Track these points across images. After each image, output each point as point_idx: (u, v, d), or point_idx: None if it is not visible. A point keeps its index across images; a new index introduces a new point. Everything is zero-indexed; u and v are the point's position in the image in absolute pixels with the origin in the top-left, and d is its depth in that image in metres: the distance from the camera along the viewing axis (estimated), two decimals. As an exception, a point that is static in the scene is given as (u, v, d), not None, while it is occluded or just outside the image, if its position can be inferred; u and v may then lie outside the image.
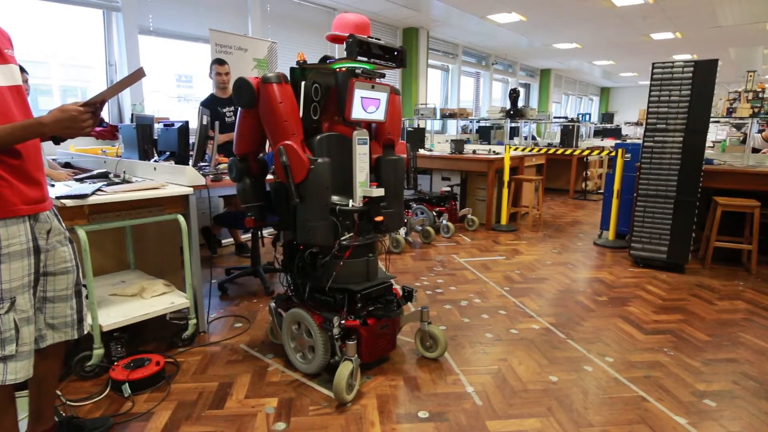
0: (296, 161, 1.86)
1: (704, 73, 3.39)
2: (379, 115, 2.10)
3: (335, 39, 2.08)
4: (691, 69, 3.42)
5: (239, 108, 2.04)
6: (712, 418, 1.82)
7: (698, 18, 6.75)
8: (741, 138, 5.54)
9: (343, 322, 1.96)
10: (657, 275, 3.64)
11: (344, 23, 2.07)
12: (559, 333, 2.57)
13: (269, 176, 2.24)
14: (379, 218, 2.04)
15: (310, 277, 2.11)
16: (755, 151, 4.57)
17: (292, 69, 2.02)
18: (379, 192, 2.02)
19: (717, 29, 7.42)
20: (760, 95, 4.22)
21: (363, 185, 2.05)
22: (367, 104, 2.02)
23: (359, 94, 1.96)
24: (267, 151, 2.28)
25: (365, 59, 1.97)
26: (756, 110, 4.17)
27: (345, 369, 1.87)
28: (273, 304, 2.28)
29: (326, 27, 6.31)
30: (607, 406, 1.88)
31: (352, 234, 2.01)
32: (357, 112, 1.99)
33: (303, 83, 1.95)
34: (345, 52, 1.95)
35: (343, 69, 1.98)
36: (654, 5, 6.09)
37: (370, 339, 2.04)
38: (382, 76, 2.10)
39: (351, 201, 2.02)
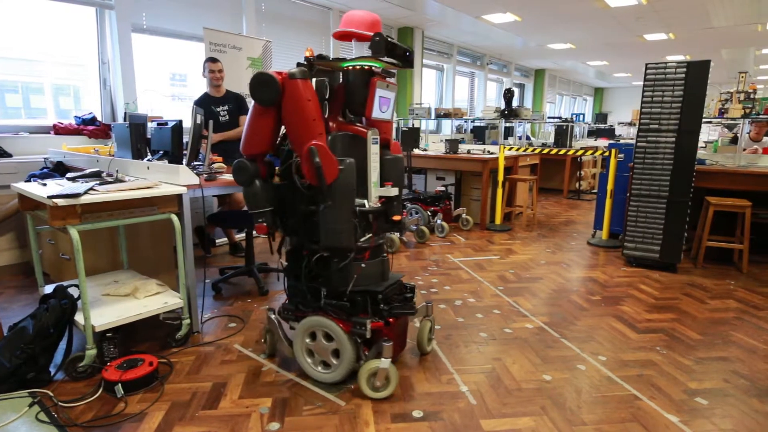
0: (328, 162, 1.78)
1: (697, 74, 3.42)
2: (388, 114, 2.07)
3: (344, 36, 2.02)
4: (684, 70, 3.45)
5: (255, 104, 1.92)
6: (703, 416, 1.83)
7: (691, 19, 6.81)
8: (730, 138, 5.58)
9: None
10: (650, 275, 3.66)
11: (359, 21, 2.00)
12: (552, 332, 2.58)
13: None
14: (398, 217, 2.03)
15: (324, 282, 2.02)
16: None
17: (299, 65, 1.93)
18: (395, 191, 2.01)
19: (709, 30, 7.49)
20: (752, 96, 4.26)
21: (375, 185, 2.02)
22: (382, 103, 1.99)
23: (378, 93, 1.92)
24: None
25: (374, 58, 1.92)
26: (747, 111, 4.21)
27: (395, 369, 1.91)
28: (273, 316, 2.17)
29: (321, 26, 6.31)
30: (600, 405, 1.89)
31: (370, 235, 1.97)
32: (375, 112, 1.95)
33: (314, 80, 1.87)
34: (369, 50, 1.88)
35: (357, 67, 1.92)
36: (647, 6, 6.14)
37: (396, 338, 2.05)
38: (393, 75, 2.08)
39: (366, 201, 1.98)
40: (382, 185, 2.06)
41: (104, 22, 4.17)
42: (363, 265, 1.98)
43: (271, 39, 4.93)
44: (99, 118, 4.17)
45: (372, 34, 1.95)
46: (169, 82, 4.88)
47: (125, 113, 3.58)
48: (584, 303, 3.04)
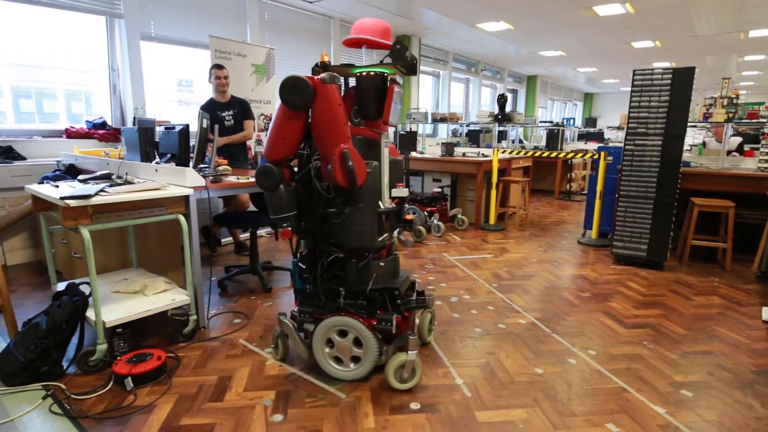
0: (359, 165, 1.80)
1: (682, 80, 3.50)
2: (395, 119, 2.10)
3: (356, 43, 2.03)
4: (670, 76, 3.53)
5: (283, 108, 1.88)
6: (688, 407, 1.88)
7: (677, 27, 6.94)
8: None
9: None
10: (637, 272, 3.73)
11: (372, 28, 2.00)
12: (544, 327, 2.64)
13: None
14: (410, 216, 2.08)
15: (341, 282, 2.04)
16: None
17: (315, 70, 1.96)
18: (406, 192, 2.05)
19: (694, 38, 7.63)
20: (735, 101, 4.39)
21: (387, 187, 2.06)
22: (394, 109, 2.04)
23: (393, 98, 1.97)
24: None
25: (390, 65, 1.95)
26: (730, 115, 4.34)
27: (419, 360, 1.97)
28: (287, 319, 2.14)
29: (322, 34, 6.39)
30: (589, 397, 1.94)
31: (386, 234, 2.00)
32: (391, 117, 2.00)
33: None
34: (392, 57, 1.93)
35: (371, 73, 1.96)
36: (635, 15, 6.26)
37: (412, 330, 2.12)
38: (399, 82, 2.13)
39: (380, 202, 2.00)
40: (392, 186, 2.12)
41: (114, 30, 4.23)
42: (382, 263, 2.01)
43: (274, 47, 4.97)
44: (109, 123, 4.21)
45: (383, 41, 1.99)
46: (176, 88, 4.92)
47: (134, 118, 3.59)
48: (575, 299, 3.10)
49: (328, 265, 2.05)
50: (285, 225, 1.99)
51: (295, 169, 2.08)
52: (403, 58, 1.87)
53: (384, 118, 1.99)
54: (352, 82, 2.09)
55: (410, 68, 2.01)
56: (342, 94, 2.03)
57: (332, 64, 2.05)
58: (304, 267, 2.12)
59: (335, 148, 1.81)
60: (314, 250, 2.10)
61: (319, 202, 1.99)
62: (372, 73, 1.96)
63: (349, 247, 1.93)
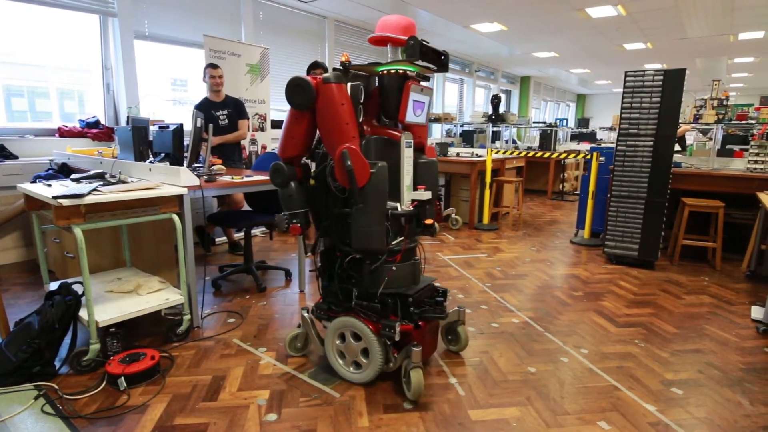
0: (360, 166, 1.77)
1: (673, 81, 3.55)
2: (422, 118, 2.04)
3: (379, 41, 2.00)
4: (661, 78, 3.58)
5: (290, 109, 1.91)
6: (679, 405, 1.90)
7: (668, 30, 7.02)
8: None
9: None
10: (629, 272, 3.77)
11: (394, 25, 1.95)
12: (537, 326, 2.66)
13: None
14: (430, 221, 2.03)
15: (356, 283, 2.02)
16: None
17: (335, 70, 1.92)
18: (428, 195, 2.01)
19: (685, 41, 7.72)
20: (724, 102, 4.46)
21: (408, 189, 2.01)
22: (416, 107, 1.98)
23: (412, 97, 1.92)
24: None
25: (409, 62, 1.90)
26: (720, 116, 4.41)
27: (420, 375, 1.87)
28: (306, 314, 2.17)
29: (317, 34, 6.39)
30: (582, 395, 1.96)
31: (402, 238, 1.96)
32: (409, 116, 1.94)
33: (349, 84, 1.87)
34: (405, 53, 1.89)
35: (392, 71, 1.92)
36: (627, 17, 6.33)
37: (424, 341, 2.02)
38: (427, 79, 2.07)
39: (398, 204, 1.96)
40: (415, 188, 2.04)
41: (107, 29, 4.20)
42: (393, 268, 1.96)
43: (268, 46, 4.95)
44: (102, 122, 4.18)
45: (406, 38, 1.93)
46: (170, 87, 4.90)
47: (128, 117, 3.59)
48: (567, 299, 3.13)
49: (343, 265, 2.03)
50: (294, 221, 2.01)
51: (312, 167, 2.07)
52: (417, 53, 1.84)
53: (399, 118, 1.95)
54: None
55: (441, 64, 1.96)
56: (366, 93, 1.99)
57: (326, 64, 2.04)
58: (319, 264, 2.12)
59: (338, 148, 1.81)
60: (332, 249, 2.09)
61: (335, 201, 1.98)
62: (392, 71, 1.92)
63: (356, 247, 1.90)
